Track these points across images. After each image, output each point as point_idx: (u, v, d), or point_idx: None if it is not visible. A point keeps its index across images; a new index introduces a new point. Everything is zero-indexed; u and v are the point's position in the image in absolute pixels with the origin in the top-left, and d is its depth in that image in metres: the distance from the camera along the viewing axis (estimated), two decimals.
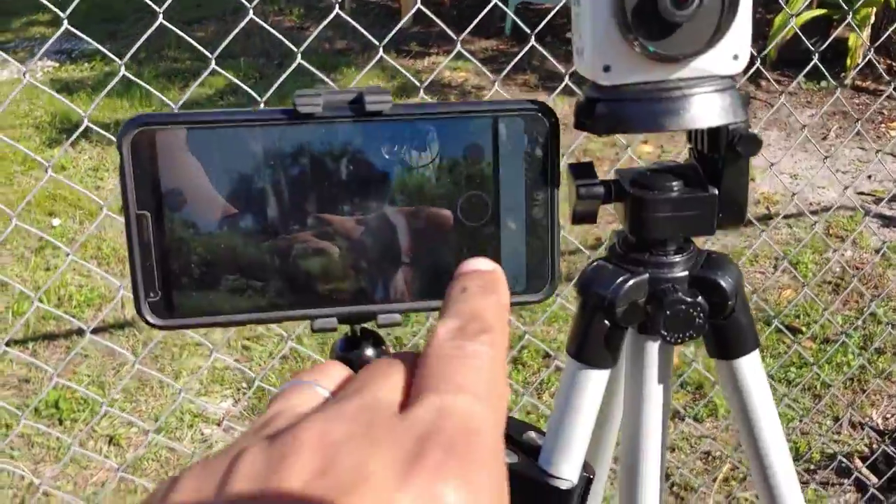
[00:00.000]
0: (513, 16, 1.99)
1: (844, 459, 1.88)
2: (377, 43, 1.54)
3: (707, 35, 0.50)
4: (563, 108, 3.59)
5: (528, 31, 1.62)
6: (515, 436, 0.59)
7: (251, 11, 1.45)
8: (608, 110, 0.54)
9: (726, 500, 1.88)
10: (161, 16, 1.37)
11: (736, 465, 1.93)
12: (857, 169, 3.71)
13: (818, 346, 2.36)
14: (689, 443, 2.03)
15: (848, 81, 4.64)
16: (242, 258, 0.42)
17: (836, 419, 2.09)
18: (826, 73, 4.65)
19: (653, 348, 0.64)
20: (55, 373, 1.52)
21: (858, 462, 1.89)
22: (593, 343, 0.61)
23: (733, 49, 0.52)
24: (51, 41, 1.55)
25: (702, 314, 0.59)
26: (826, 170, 3.71)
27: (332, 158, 0.41)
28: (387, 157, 0.41)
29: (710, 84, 0.54)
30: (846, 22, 3.00)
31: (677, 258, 0.61)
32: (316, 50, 5.46)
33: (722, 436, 2.06)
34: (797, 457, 1.96)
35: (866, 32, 4.50)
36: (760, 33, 4.98)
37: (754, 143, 0.56)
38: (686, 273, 0.61)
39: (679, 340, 0.58)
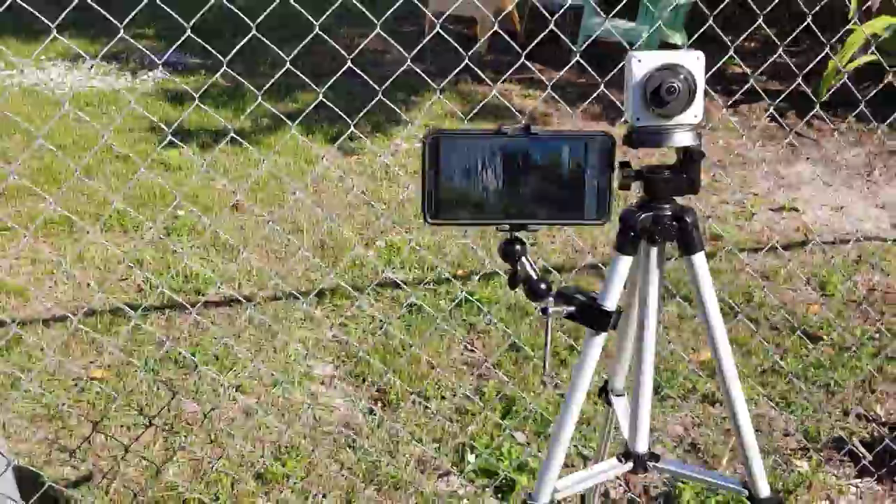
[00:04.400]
0: (578, 56, 2.39)
1: (846, 438, 2.25)
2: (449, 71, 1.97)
3: (682, 107, 1.04)
4: (621, 130, 3.98)
5: (594, 74, 2.02)
6: (577, 294, 1.12)
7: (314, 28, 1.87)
8: (637, 137, 1.08)
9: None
10: (254, 28, 1.76)
11: None
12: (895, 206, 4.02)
13: (836, 353, 2.71)
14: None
15: (892, 125, 4.93)
16: (471, 197, 0.94)
17: (846, 412, 2.45)
18: (870, 117, 4.98)
19: (653, 249, 1.16)
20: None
21: (857, 442, 2.24)
22: (626, 244, 1.14)
23: (695, 112, 1.06)
24: (168, 54, 2.00)
25: (673, 230, 1.11)
26: (866, 204, 4.04)
27: (512, 152, 0.93)
28: (539, 153, 0.90)
29: (684, 127, 1.06)
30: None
31: (665, 206, 1.13)
32: (393, 71, 5.96)
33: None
34: (808, 438, 2.33)
35: None
36: (817, 73, 5.31)
37: (701, 154, 1.08)
38: (670, 213, 1.12)
39: (663, 241, 1.12)
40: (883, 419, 2.39)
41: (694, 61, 1.03)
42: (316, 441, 2.32)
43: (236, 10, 1.91)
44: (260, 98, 1.84)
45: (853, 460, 2.23)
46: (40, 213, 3.67)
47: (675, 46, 6.09)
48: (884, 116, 4.94)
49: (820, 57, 2.34)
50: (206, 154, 4.49)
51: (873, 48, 5.06)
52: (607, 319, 1.11)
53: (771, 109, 5.31)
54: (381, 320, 2.90)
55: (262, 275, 3.20)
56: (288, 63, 1.79)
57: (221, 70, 1.93)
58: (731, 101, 5.44)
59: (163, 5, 1.74)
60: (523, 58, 1.98)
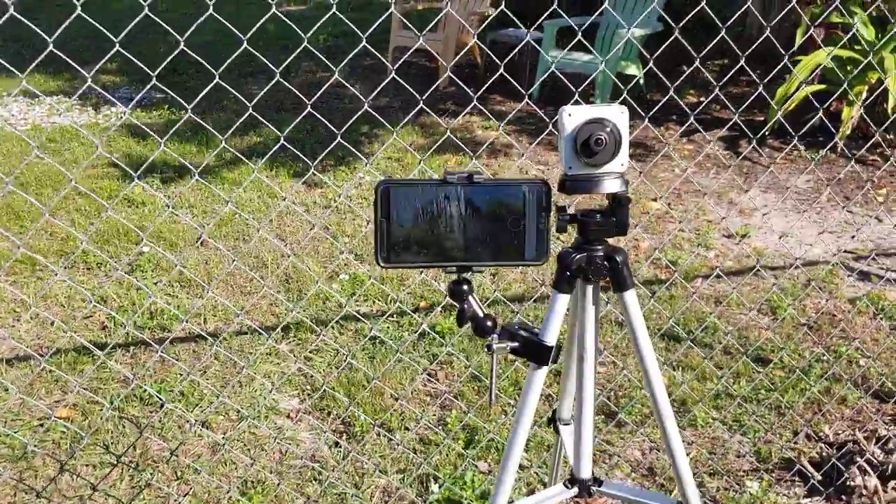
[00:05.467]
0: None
1: (795, 460, 2.33)
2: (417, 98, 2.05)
3: (609, 156, 1.14)
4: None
5: (551, 109, 2.11)
6: (520, 330, 1.20)
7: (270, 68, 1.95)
8: (570, 185, 1.18)
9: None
10: (217, 76, 1.87)
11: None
12: (843, 230, 4.17)
13: (786, 375, 2.81)
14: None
15: (839, 150, 5.13)
16: (419, 242, 1.03)
17: (796, 433, 2.54)
18: (819, 144, 5.15)
19: (588, 287, 1.26)
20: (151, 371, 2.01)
21: (806, 462, 2.33)
22: (563, 283, 1.22)
23: (621, 161, 1.16)
24: (142, 93, 2.06)
25: (605, 269, 1.21)
26: (814, 229, 4.18)
27: (456, 199, 1.03)
28: (482, 200, 1.00)
29: (611, 175, 1.15)
30: (837, 95, 3.44)
31: (598, 247, 1.22)
32: (359, 106, 6.04)
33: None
34: (760, 459, 2.41)
35: (857, 107, 4.99)
36: (765, 103, 5.50)
37: (627, 200, 1.17)
38: (602, 254, 1.21)
39: (596, 280, 1.21)
40: (831, 439, 2.49)
41: (619, 115, 1.12)
42: (282, 475, 2.35)
43: (195, 55, 1.97)
44: (224, 143, 1.89)
45: (803, 480, 2.31)
46: (2, 252, 3.67)
47: (631, 77, 6.26)
48: (828, 143, 5.13)
49: (759, 88, 2.46)
50: (170, 189, 4.52)
51: (817, 78, 5.27)
52: (548, 354, 1.19)
53: (716, 137, 5.49)
54: (344, 353, 2.95)
55: (227, 310, 3.24)
56: (250, 109, 1.85)
57: (185, 117, 1.98)
58: (684, 130, 5.60)
59: (124, 52, 1.79)
60: (480, 93, 2.05)
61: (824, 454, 2.41)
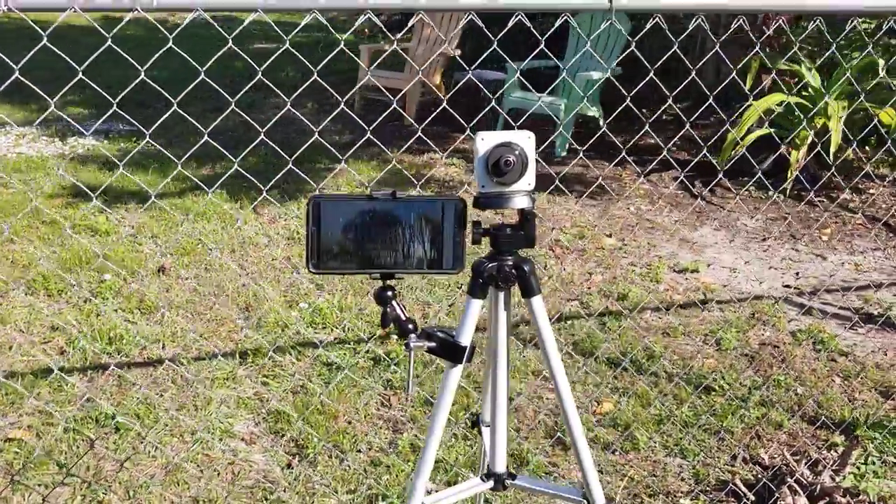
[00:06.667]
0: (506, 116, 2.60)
1: (730, 481, 2.43)
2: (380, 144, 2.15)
3: (517, 176, 1.25)
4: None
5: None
6: (438, 332, 1.29)
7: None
8: (483, 201, 1.28)
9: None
10: (175, 106, 1.97)
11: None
12: (789, 266, 4.33)
13: (726, 402, 2.92)
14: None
15: (787, 191, 5.33)
16: (347, 250, 1.13)
17: (734, 457, 2.65)
18: (768, 185, 5.34)
19: (500, 294, 1.37)
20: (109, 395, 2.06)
21: (740, 482, 2.43)
22: (476, 289, 1.32)
23: (528, 180, 1.28)
24: (100, 120, 2.15)
25: (513, 277, 1.31)
26: (762, 265, 4.34)
27: (381, 213, 1.13)
28: (404, 213, 1.12)
29: (520, 193, 1.26)
30: (789, 140, 3.64)
31: (508, 258, 1.32)
32: (326, 141, 6.16)
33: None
34: (698, 481, 2.51)
35: (804, 150, 5.21)
36: (716, 147, 5.70)
37: (534, 215, 1.28)
38: (511, 262, 1.31)
39: (506, 287, 1.32)
40: (766, 462, 2.59)
41: (526, 140, 1.25)
42: (232, 494, 2.40)
43: (159, 88, 2.06)
44: (180, 166, 1.98)
45: (737, 500, 2.41)
46: None
47: (592, 118, 6.45)
48: (777, 184, 5.34)
49: (722, 130, 2.60)
50: (133, 218, 4.57)
51: (767, 122, 5.49)
52: (462, 354, 1.30)
53: (681, 177, 5.67)
54: (300, 378, 3.01)
55: (185, 337, 3.29)
56: (206, 136, 1.94)
57: (144, 142, 2.08)
58: (646, 171, 5.78)
59: (86, 79, 1.88)
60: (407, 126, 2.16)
61: (758, 476, 2.51)
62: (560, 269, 4.14)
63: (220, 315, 3.47)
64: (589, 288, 3.91)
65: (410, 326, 1.24)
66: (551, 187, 5.00)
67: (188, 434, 2.67)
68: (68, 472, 2.44)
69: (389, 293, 1.22)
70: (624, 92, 2.32)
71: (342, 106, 2.15)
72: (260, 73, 1.92)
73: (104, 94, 2.05)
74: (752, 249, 4.57)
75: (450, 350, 1.27)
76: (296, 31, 2.22)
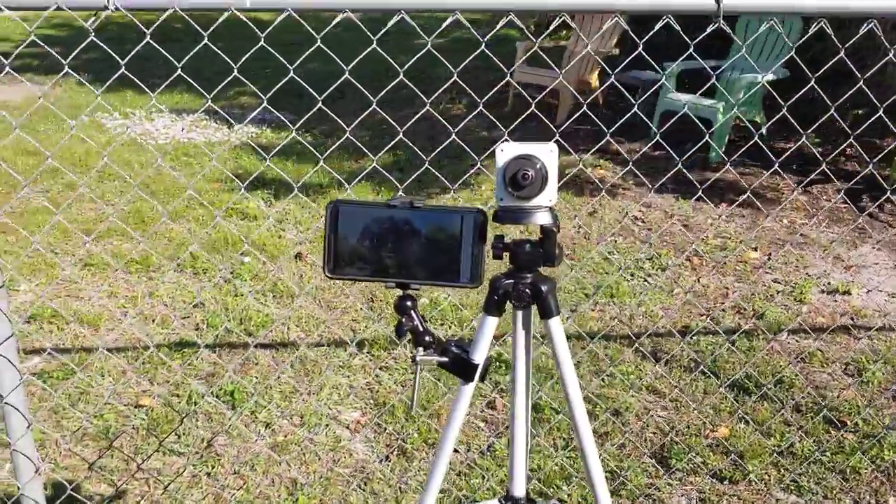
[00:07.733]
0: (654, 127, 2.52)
1: None
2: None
3: (536, 191, 1.19)
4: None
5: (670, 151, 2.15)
6: (454, 347, 1.26)
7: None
8: (502, 215, 1.22)
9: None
10: (320, 101, 2.03)
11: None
12: None
13: (859, 439, 2.68)
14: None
15: None
16: (363, 257, 1.13)
17: (857, 501, 2.43)
18: None
19: (519, 313, 1.31)
20: (233, 369, 2.17)
21: None
22: (492, 306, 1.29)
23: (549, 196, 1.21)
24: (254, 113, 2.26)
25: (528, 296, 1.25)
26: None
27: (399, 222, 1.14)
28: (422, 223, 1.12)
29: (540, 209, 1.20)
30: None
31: (527, 275, 1.27)
32: (477, 137, 6.20)
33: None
34: None
35: None
36: (887, 159, 5.24)
37: (554, 233, 1.22)
38: (529, 280, 1.26)
39: (521, 306, 1.26)
40: None
41: (548, 153, 1.19)
42: (330, 480, 2.47)
43: (302, 82, 2.15)
44: (322, 162, 2.07)
45: None
46: (124, 253, 4.02)
47: (754, 124, 6.11)
48: None
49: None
50: (281, 205, 4.80)
51: None
52: (473, 371, 1.26)
53: (843, 190, 5.26)
54: (412, 373, 3.05)
55: (310, 322, 3.41)
56: (348, 133, 2.04)
57: (289, 136, 2.20)
58: (805, 182, 5.40)
59: (242, 77, 1.99)
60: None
61: None
62: (694, 280, 3.95)
63: (346, 304, 3.57)
64: (723, 302, 3.71)
65: (427, 339, 1.21)
66: (697, 194, 4.78)
67: (297, 416, 2.78)
68: (184, 443, 2.60)
69: (409, 303, 1.20)
70: (780, 100, 2.17)
71: (480, 107, 2.15)
72: (402, 73, 1.95)
73: (257, 90, 2.16)
74: None
75: (461, 367, 1.24)
76: (438, 31, 2.25)
